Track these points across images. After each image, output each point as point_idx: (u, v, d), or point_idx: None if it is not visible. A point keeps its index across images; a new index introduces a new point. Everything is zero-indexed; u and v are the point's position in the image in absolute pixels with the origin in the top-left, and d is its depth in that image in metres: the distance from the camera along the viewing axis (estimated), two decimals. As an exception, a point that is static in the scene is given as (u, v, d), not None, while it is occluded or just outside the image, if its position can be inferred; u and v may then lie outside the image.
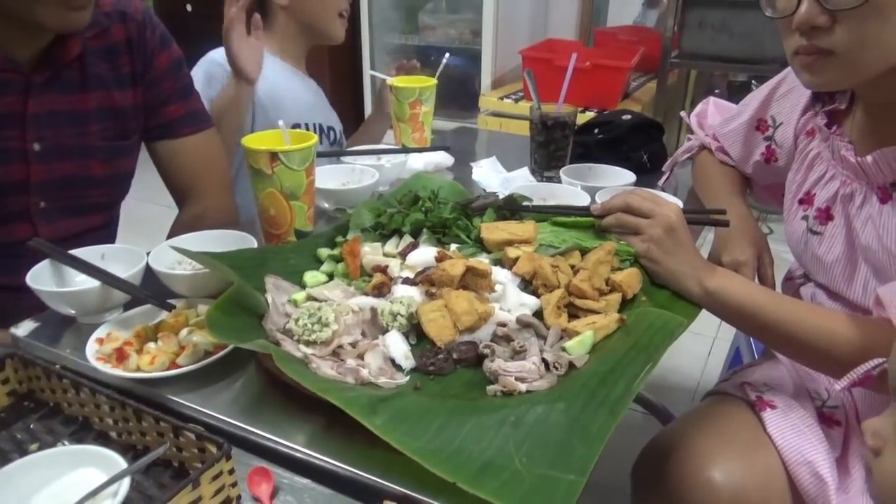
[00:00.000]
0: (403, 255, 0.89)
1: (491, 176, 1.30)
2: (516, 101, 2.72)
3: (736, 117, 1.09)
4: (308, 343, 0.70)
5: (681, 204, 1.01)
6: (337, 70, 3.38)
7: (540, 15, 3.40)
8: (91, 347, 0.73)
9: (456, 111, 3.25)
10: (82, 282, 0.82)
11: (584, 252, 0.87)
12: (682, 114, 1.22)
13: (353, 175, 1.19)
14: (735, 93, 3.07)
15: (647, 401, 1.60)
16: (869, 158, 0.80)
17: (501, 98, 2.77)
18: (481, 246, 0.90)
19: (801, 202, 0.94)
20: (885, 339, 0.68)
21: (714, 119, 1.16)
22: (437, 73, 1.42)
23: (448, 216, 0.93)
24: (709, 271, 0.83)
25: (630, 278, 0.81)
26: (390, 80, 1.40)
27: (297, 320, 0.72)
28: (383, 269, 0.85)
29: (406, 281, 0.82)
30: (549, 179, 1.28)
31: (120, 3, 1.06)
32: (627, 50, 2.81)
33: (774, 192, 1.11)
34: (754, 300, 0.81)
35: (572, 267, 0.83)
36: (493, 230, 0.89)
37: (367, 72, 3.27)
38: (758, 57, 2.36)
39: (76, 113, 1.01)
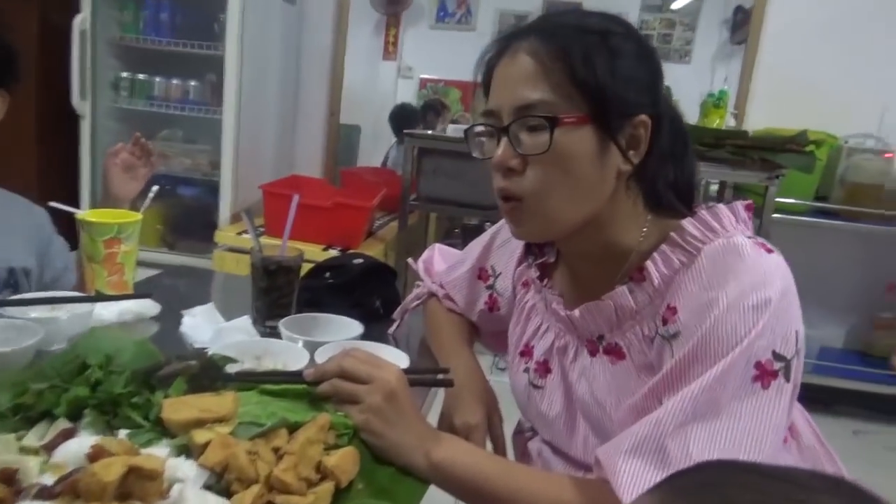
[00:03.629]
0: (49, 448, 0.66)
1: (203, 327, 1.12)
2: (257, 236, 2.58)
3: (459, 265, 1.08)
4: None
5: (406, 360, 0.94)
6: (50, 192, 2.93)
7: (286, 151, 3.39)
8: None
9: (194, 245, 3.01)
10: None
11: (294, 429, 0.73)
12: (409, 260, 1.19)
13: (8, 333, 0.92)
14: (470, 236, 3.30)
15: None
16: (576, 312, 0.81)
17: (240, 233, 2.62)
18: (162, 429, 0.71)
19: (521, 354, 0.93)
20: (608, 501, 0.65)
21: (440, 266, 1.15)
22: (143, 207, 1.24)
23: (121, 390, 0.73)
24: (435, 441, 0.75)
25: (345, 461, 0.68)
26: (80, 214, 1.17)
27: None
28: (9, 477, 0.61)
29: (42, 493, 0.59)
30: (273, 330, 1.14)
31: None
32: (371, 190, 2.89)
33: (502, 340, 1.10)
34: (482, 470, 0.74)
35: (276, 451, 0.68)
36: (178, 407, 0.71)
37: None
38: (487, 203, 2.56)
39: None
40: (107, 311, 1.11)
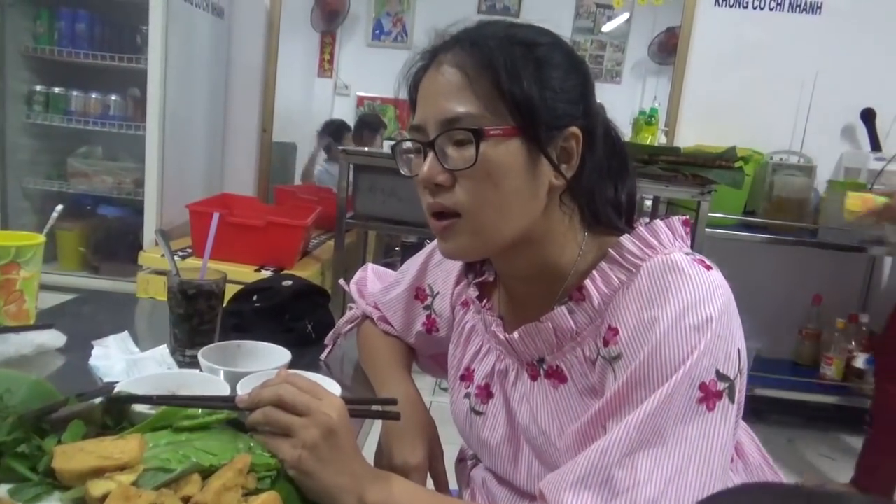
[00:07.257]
0: (-88, 511, 0.57)
1: (115, 359, 1.02)
2: (184, 258, 2.45)
3: (395, 285, 1.02)
4: None
5: (337, 388, 0.88)
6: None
7: (215, 169, 3.26)
8: None
9: (120, 268, 2.84)
10: None
11: (208, 473, 0.65)
12: (341, 282, 1.13)
13: None
14: (410, 254, 3.24)
15: None
16: (515, 335, 0.77)
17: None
18: (54, 481, 0.62)
19: (462, 378, 0.88)
20: None
21: (374, 287, 1.09)
22: (46, 229, 1.13)
23: (4, 438, 0.64)
24: (370, 481, 0.68)
25: (265, 508, 0.61)
26: (-27, 238, 1.06)
27: None
28: None
29: None
30: (193, 359, 1.05)
31: None
32: (306, 208, 2.80)
33: (440, 363, 1.04)
34: None
35: (186, 501, 0.60)
36: (73, 454, 0.62)
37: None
38: (423, 221, 2.50)
39: None
40: (3, 345, 1.00)
